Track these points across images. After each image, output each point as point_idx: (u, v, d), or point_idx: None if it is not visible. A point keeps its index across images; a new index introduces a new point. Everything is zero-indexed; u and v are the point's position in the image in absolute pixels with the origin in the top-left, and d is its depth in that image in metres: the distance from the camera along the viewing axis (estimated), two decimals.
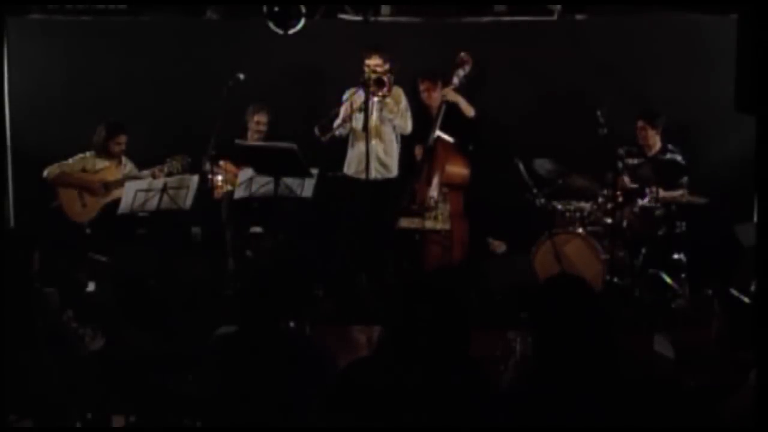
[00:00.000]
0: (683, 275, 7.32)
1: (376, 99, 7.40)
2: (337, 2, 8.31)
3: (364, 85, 7.38)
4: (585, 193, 7.50)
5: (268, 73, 8.10)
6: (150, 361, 4.55)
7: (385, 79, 7.40)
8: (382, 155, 7.69)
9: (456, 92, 7.65)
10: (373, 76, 7.35)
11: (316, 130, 7.48)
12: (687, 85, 8.04)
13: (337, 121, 7.62)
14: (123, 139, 7.65)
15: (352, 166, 7.81)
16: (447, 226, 7.55)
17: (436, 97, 7.72)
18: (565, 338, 2.91)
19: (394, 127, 7.75)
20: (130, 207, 7.23)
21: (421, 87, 7.81)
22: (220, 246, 7.79)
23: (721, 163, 7.96)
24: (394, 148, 7.82)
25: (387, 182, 7.74)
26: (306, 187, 7.38)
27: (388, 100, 7.52)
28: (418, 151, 7.78)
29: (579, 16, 8.33)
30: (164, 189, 7.27)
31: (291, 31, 7.65)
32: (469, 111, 7.69)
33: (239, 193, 7.47)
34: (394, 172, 7.82)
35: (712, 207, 7.27)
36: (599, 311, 2.97)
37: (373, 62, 7.45)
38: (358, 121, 7.58)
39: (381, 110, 7.60)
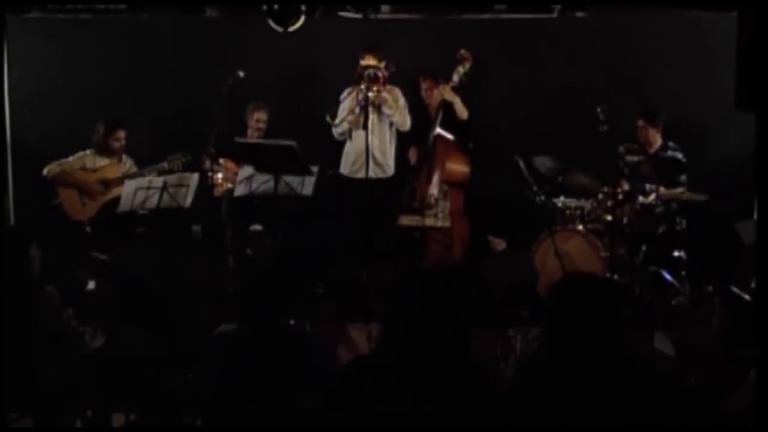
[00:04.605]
0: (683, 272, 7.31)
1: (371, 94, 7.39)
2: (337, 0, 8.30)
3: (359, 81, 7.39)
4: (585, 190, 7.49)
5: (268, 70, 8.10)
6: (150, 359, 4.55)
7: (380, 74, 7.41)
8: (377, 154, 7.69)
9: (453, 92, 7.65)
10: (368, 71, 7.37)
11: (328, 118, 7.53)
12: (687, 82, 8.03)
13: (337, 121, 7.62)
14: (122, 134, 7.65)
15: (347, 165, 7.82)
16: (447, 224, 7.55)
17: (437, 95, 7.73)
18: (576, 337, 2.91)
19: (390, 125, 7.76)
20: (130, 205, 7.23)
21: (423, 85, 7.82)
22: (220, 244, 7.78)
23: (721, 160, 7.96)
24: (390, 148, 7.83)
25: (382, 181, 7.72)
26: (306, 185, 7.37)
27: (386, 95, 7.53)
28: (412, 153, 7.78)
29: (579, 14, 8.33)
30: (164, 187, 7.27)
31: (291, 29, 7.65)
32: (463, 113, 7.69)
33: (239, 191, 7.47)
34: (389, 171, 7.82)
35: (712, 204, 7.26)
36: (614, 312, 2.96)
37: (367, 62, 7.47)
38: (354, 120, 7.58)
39: (379, 107, 7.60)
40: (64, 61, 8.47)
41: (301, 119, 7.97)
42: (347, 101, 7.65)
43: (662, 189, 7.30)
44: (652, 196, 7.26)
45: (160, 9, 8.47)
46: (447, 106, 7.66)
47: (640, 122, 7.58)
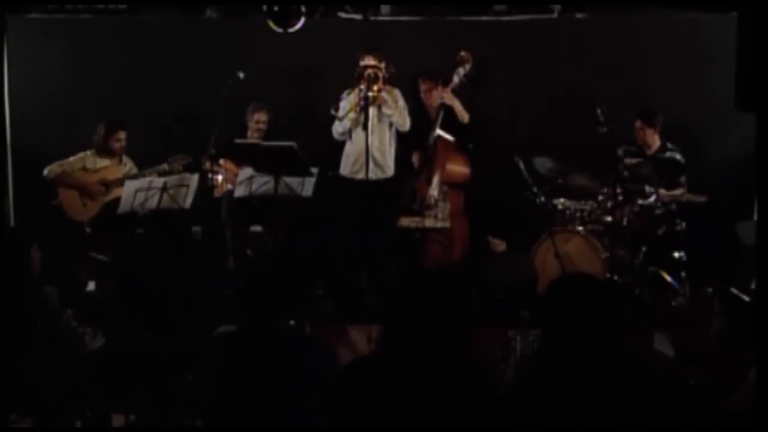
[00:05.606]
0: (683, 274, 7.31)
1: (371, 94, 7.40)
2: (337, 1, 8.31)
3: (359, 81, 7.40)
4: (585, 191, 7.50)
5: (268, 71, 8.09)
6: (150, 360, 4.55)
7: (380, 74, 7.42)
8: (377, 155, 7.68)
9: (453, 95, 7.66)
10: (368, 72, 7.37)
11: (333, 110, 7.54)
12: (687, 83, 8.03)
13: (340, 114, 7.61)
14: (122, 135, 7.65)
15: (347, 166, 7.82)
16: (447, 225, 7.56)
17: (436, 96, 7.73)
18: (574, 337, 2.91)
19: (390, 126, 7.76)
20: (130, 206, 7.23)
21: (423, 87, 7.83)
22: (220, 245, 7.78)
23: (721, 161, 7.96)
24: (390, 148, 7.83)
25: (382, 182, 7.72)
26: (306, 186, 7.37)
27: (385, 95, 7.53)
28: (415, 157, 7.79)
29: (579, 15, 8.33)
30: (164, 188, 7.26)
31: (291, 30, 7.65)
32: (464, 116, 7.71)
33: (239, 192, 7.47)
34: (389, 172, 7.82)
35: (712, 205, 7.26)
36: (611, 311, 2.96)
37: (368, 62, 7.47)
38: (354, 120, 7.59)
39: (379, 108, 7.60)
40: (64, 62, 8.46)
41: (301, 120, 7.97)
42: (347, 101, 7.65)
43: (662, 190, 7.31)
44: (652, 198, 7.26)
45: (160, 9, 8.47)
46: (447, 108, 7.67)
47: (638, 123, 7.58)
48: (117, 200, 7.31)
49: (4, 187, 8.25)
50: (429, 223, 7.55)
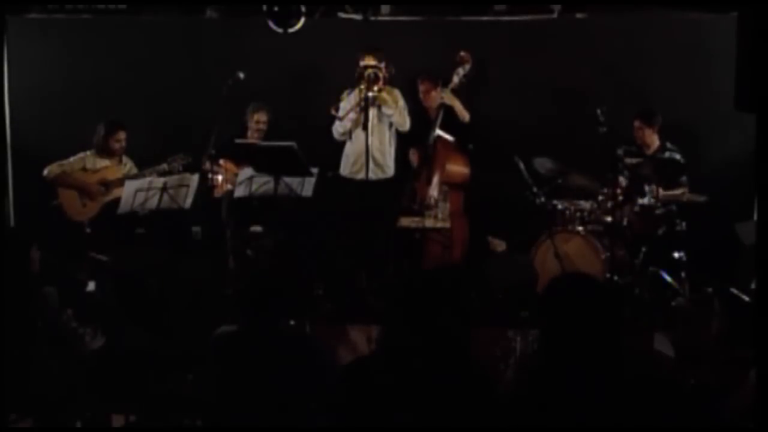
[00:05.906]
0: (683, 274, 7.31)
1: (371, 94, 7.40)
2: (337, 1, 8.31)
3: (359, 81, 7.40)
4: (585, 191, 7.50)
5: (268, 71, 8.10)
6: (150, 360, 4.55)
7: (380, 74, 7.42)
8: (377, 155, 7.69)
9: (453, 95, 7.67)
10: (368, 72, 7.38)
11: (333, 110, 7.56)
12: (687, 83, 8.03)
13: (340, 114, 7.61)
14: (122, 135, 7.65)
15: (347, 166, 7.82)
16: (447, 225, 7.56)
17: (434, 97, 7.74)
18: (573, 337, 2.91)
19: (390, 126, 7.76)
20: (130, 206, 7.23)
21: (421, 88, 7.83)
22: (220, 245, 7.78)
23: (721, 161, 7.96)
24: (390, 148, 7.83)
25: (382, 182, 7.72)
26: (306, 186, 7.37)
27: (385, 96, 7.54)
28: (413, 156, 7.79)
29: (579, 15, 8.33)
30: (164, 188, 7.27)
31: (291, 30, 7.65)
32: (464, 115, 7.72)
33: (239, 192, 7.47)
34: (389, 172, 7.82)
35: (712, 205, 7.26)
36: (609, 311, 2.96)
37: (368, 62, 7.48)
38: (354, 120, 7.60)
39: (379, 108, 7.60)
40: (64, 62, 8.47)
41: (301, 120, 7.97)
42: (347, 101, 7.65)
43: (662, 190, 7.31)
44: (648, 197, 7.26)
45: (160, 9, 8.47)
46: (447, 108, 7.67)
47: (637, 123, 7.59)
48: (117, 200, 7.31)
49: (4, 187, 8.26)
50: (429, 223, 7.55)
